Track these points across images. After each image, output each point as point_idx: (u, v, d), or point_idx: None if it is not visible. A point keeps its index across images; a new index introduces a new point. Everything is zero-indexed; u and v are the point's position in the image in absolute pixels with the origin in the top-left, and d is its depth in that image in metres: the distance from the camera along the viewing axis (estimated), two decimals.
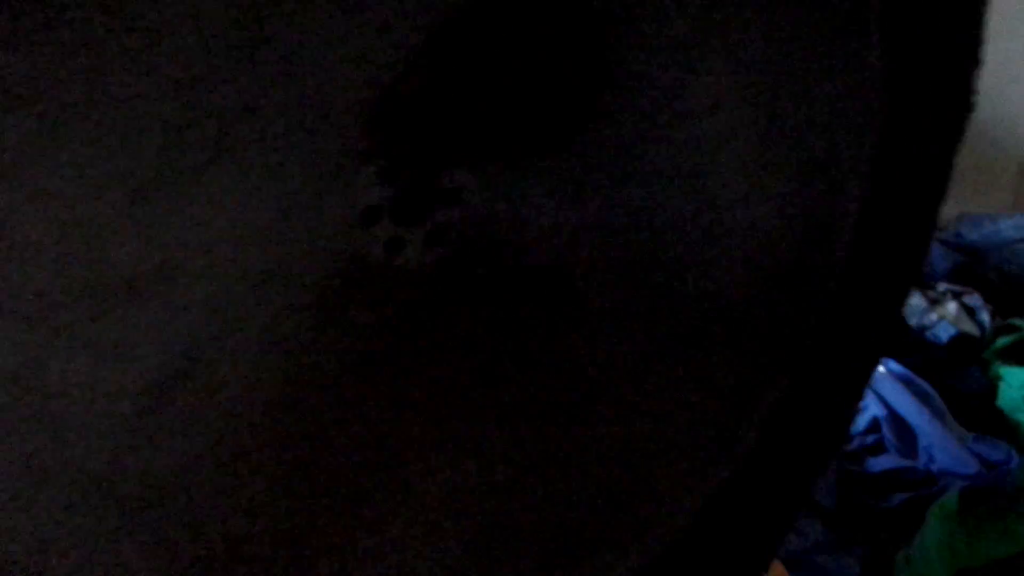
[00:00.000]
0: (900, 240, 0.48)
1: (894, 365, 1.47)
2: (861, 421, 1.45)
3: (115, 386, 0.33)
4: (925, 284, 1.62)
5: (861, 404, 1.56)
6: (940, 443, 1.37)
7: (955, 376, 1.50)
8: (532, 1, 0.41)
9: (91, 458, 0.33)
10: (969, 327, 1.56)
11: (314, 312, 0.42)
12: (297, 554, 0.39)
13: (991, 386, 1.46)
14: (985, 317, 1.55)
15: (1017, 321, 1.52)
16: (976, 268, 1.62)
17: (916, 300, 1.61)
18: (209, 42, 0.31)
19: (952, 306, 1.58)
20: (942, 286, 1.60)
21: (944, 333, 1.55)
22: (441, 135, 0.45)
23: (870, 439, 1.43)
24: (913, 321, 1.59)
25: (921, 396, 1.44)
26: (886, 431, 1.42)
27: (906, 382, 1.45)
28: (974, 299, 1.57)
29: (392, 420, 0.46)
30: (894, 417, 1.43)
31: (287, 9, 0.32)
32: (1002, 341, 1.51)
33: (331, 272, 0.43)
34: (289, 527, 0.39)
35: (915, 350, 1.55)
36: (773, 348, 0.52)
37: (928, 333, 1.57)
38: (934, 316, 1.58)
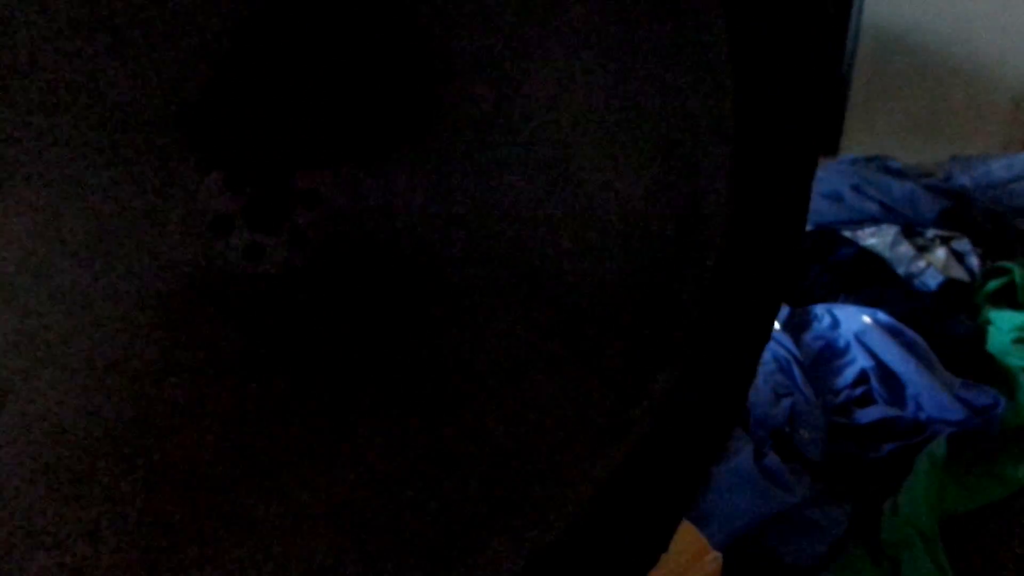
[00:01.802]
0: (773, 214, 0.45)
1: (882, 315, 1.41)
2: (849, 373, 1.41)
3: None
4: (913, 231, 1.55)
5: (848, 357, 1.52)
6: (928, 391, 1.33)
7: (944, 323, 1.44)
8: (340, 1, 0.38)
9: None
10: (958, 273, 1.50)
11: (159, 331, 0.41)
12: (156, 572, 0.38)
13: (981, 331, 1.40)
14: (974, 262, 1.48)
15: (1007, 264, 1.45)
16: (966, 212, 1.54)
17: (904, 248, 1.54)
18: None
19: (941, 252, 1.51)
20: (930, 232, 1.53)
21: (932, 280, 1.49)
22: (280, 138, 0.43)
23: (858, 391, 1.39)
24: (901, 269, 1.53)
25: (909, 345, 1.39)
26: (874, 382, 1.37)
27: (894, 332, 1.40)
28: (963, 244, 1.50)
29: (265, 431, 0.45)
30: (882, 368, 1.38)
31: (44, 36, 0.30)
32: (992, 285, 1.44)
33: (177, 286, 0.42)
34: (144, 548, 0.38)
35: (904, 299, 1.49)
36: (658, 329, 0.49)
37: (916, 281, 1.51)
38: (922, 263, 1.51)
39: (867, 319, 1.43)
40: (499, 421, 0.49)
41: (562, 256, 0.48)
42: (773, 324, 0.50)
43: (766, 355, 1.22)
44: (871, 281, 1.53)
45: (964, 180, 1.63)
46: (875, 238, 1.54)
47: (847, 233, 1.56)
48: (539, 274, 0.48)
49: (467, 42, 0.41)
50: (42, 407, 0.36)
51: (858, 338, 1.43)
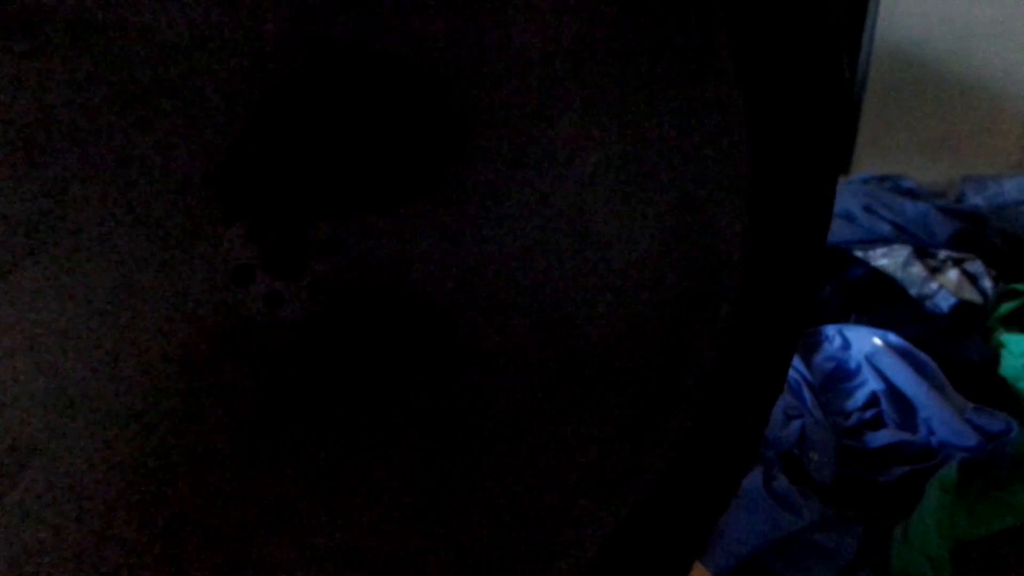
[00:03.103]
0: (786, 263, 0.45)
1: (893, 338, 1.41)
2: (860, 395, 1.40)
3: None
4: (925, 252, 1.54)
5: (859, 379, 1.50)
6: (939, 416, 1.32)
7: (956, 346, 1.43)
8: (366, 60, 0.39)
9: None
10: (971, 295, 1.49)
11: (180, 381, 0.41)
12: None
13: (993, 354, 1.39)
14: (987, 284, 1.47)
15: (1020, 286, 1.44)
16: (979, 233, 1.53)
17: (916, 269, 1.53)
18: None
19: (953, 274, 1.50)
20: (942, 253, 1.52)
21: (944, 302, 1.48)
22: (305, 190, 0.44)
23: (868, 414, 1.38)
24: (913, 291, 1.52)
25: (920, 368, 1.38)
26: (885, 405, 1.37)
27: (905, 355, 1.39)
28: (976, 266, 1.49)
29: (280, 474, 0.46)
30: (892, 391, 1.37)
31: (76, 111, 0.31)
32: (1005, 307, 1.43)
33: (200, 335, 0.43)
34: None
35: (915, 321, 1.48)
36: (669, 377, 0.49)
37: (928, 303, 1.50)
38: (934, 285, 1.50)
39: (878, 341, 1.42)
40: (511, 468, 0.50)
41: (575, 306, 0.48)
42: (787, 372, 0.50)
43: None
44: (883, 302, 1.52)
45: (977, 201, 1.62)
46: (887, 258, 1.54)
47: (859, 253, 1.55)
48: (552, 323, 0.48)
49: (487, 97, 0.41)
50: (67, 464, 0.37)
51: (869, 360, 1.42)
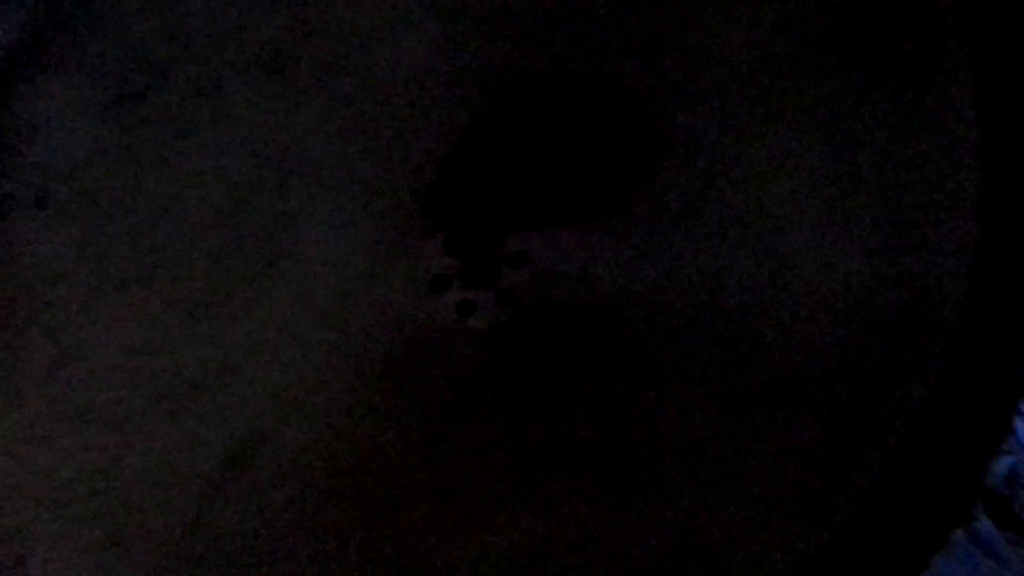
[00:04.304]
0: (1016, 291, 0.40)
1: None
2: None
3: (187, 469, 0.39)
4: None
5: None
6: None
7: None
8: (566, 84, 0.40)
9: (168, 528, 0.38)
10: None
11: (383, 379, 0.45)
12: None
13: None
14: None
15: None
16: None
17: None
18: (243, 177, 0.34)
19: None
20: None
21: None
22: (501, 205, 0.45)
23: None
24: None
25: None
26: None
27: None
28: None
29: (465, 476, 0.48)
30: None
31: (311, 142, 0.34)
32: None
33: (400, 340, 0.46)
34: None
35: None
36: (873, 415, 0.45)
37: None
38: None
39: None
40: (689, 489, 0.49)
41: (767, 331, 0.46)
42: (1012, 417, 0.45)
43: None
44: None
45: None
46: None
47: None
48: (740, 347, 0.47)
49: (687, 116, 0.41)
50: (290, 452, 0.41)
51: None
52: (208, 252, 0.35)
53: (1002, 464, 1.19)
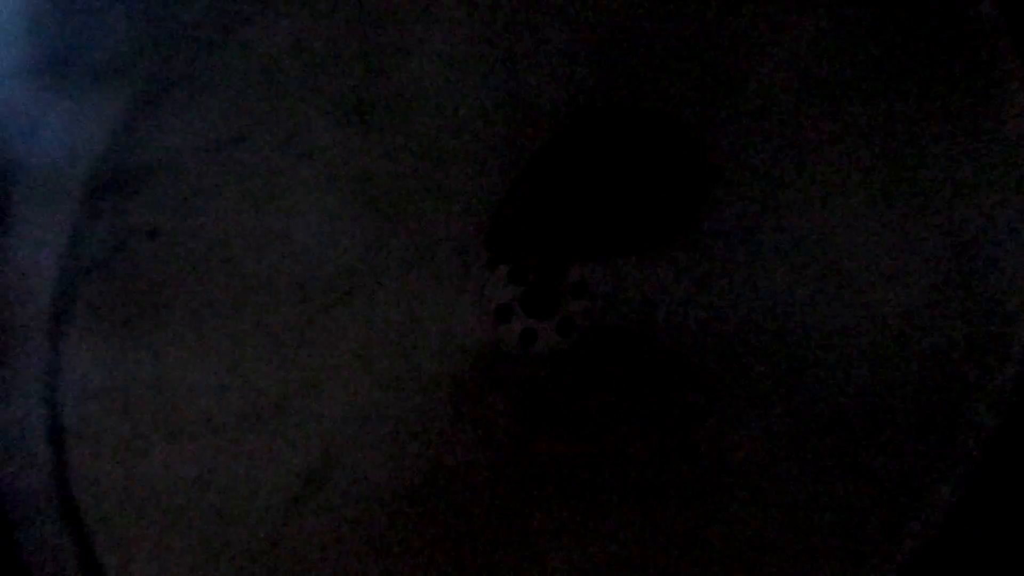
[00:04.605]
0: None
1: None
2: None
3: (270, 484, 0.41)
4: None
5: None
6: None
7: None
8: (623, 118, 0.42)
9: (253, 538, 0.41)
10: None
11: (449, 404, 0.47)
12: None
13: None
14: None
15: None
16: None
17: None
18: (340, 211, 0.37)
19: None
20: None
21: None
22: (561, 236, 0.48)
23: None
24: None
25: None
26: None
27: None
28: None
29: (526, 499, 0.49)
30: None
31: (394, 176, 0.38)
32: None
33: (465, 366, 0.48)
34: None
35: None
36: (944, 442, 0.45)
37: None
38: None
39: None
40: (753, 515, 0.48)
41: (830, 356, 0.46)
42: None
43: None
44: None
45: None
46: None
47: None
48: (803, 373, 0.47)
49: (739, 144, 0.42)
50: (360, 472, 0.43)
51: None
52: (292, 282, 0.39)
53: None
